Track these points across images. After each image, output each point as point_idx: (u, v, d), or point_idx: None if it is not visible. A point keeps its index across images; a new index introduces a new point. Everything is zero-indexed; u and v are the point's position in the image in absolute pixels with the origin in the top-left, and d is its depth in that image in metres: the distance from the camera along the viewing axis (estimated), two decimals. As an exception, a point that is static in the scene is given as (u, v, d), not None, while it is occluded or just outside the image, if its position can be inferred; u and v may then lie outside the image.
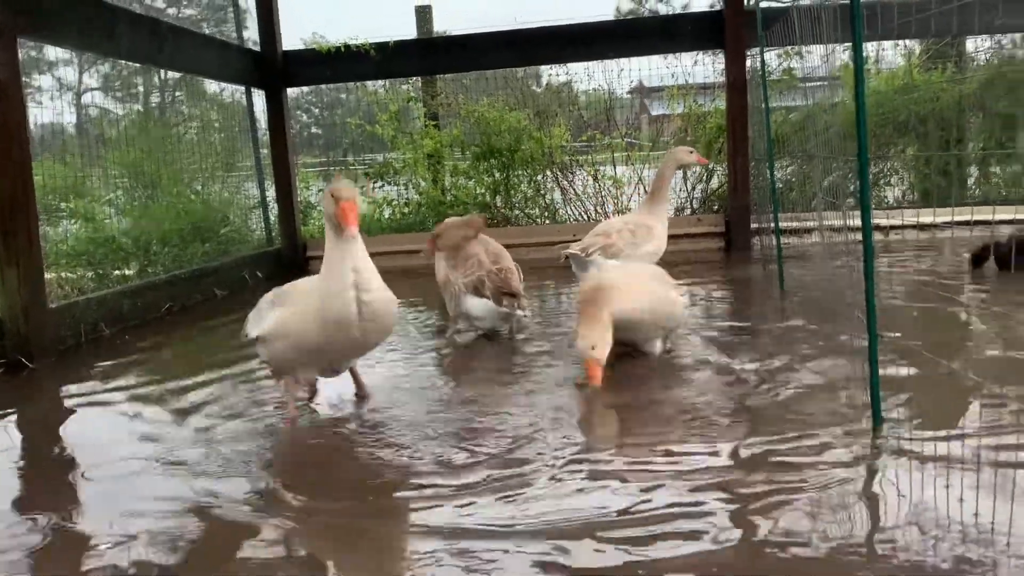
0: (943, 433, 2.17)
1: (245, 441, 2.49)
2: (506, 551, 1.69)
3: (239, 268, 5.80)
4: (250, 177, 6.90)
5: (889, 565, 1.55)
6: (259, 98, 6.62)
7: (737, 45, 5.97)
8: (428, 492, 2.01)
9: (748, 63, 6.03)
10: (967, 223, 5.84)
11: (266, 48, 6.48)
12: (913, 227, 6.21)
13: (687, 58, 7.06)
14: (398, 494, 2.04)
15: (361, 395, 2.87)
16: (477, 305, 3.51)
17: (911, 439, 2.14)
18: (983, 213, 5.96)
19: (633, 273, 3.12)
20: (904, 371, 2.76)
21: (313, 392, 2.97)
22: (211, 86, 7.40)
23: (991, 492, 1.79)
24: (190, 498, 2.07)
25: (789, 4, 4.12)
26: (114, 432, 2.70)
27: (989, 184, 7.09)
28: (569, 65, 7.16)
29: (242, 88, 6.68)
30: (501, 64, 7.06)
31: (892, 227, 6.13)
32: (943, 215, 6.17)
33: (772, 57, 6.31)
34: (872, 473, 1.97)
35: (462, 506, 1.91)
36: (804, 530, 1.70)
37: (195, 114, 7.73)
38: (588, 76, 7.25)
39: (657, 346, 3.11)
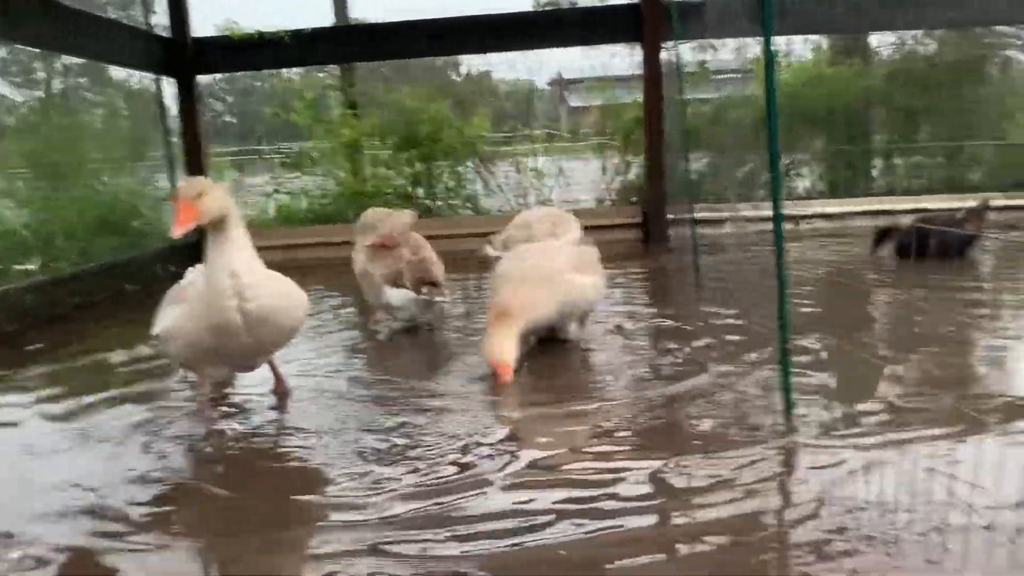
0: (851, 415, 2.26)
1: (154, 443, 2.42)
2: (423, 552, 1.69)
3: (151, 262, 5.61)
4: (161, 167, 6.67)
5: (799, 544, 1.61)
6: (169, 86, 6.41)
7: (654, 38, 6.04)
8: (334, 492, 2.00)
9: (665, 56, 6.13)
10: (872, 213, 6.10)
11: (176, 34, 6.27)
12: (822, 217, 6.43)
13: (606, 50, 7.13)
14: (306, 498, 2.02)
15: (280, 390, 2.81)
16: (397, 295, 3.48)
17: (821, 422, 2.22)
18: (887, 203, 6.24)
19: (548, 270, 3.09)
20: (813, 355, 2.86)
21: (224, 388, 2.89)
22: (118, 73, 7.12)
23: (895, 470, 1.87)
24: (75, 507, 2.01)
25: (703, -1, 4.20)
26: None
27: (893, 175, 7.38)
28: (490, 55, 7.14)
29: (151, 75, 6.45)
30: (421, 53, 7.00)
31: (802, 217, 6.35)
32: (849, 205, 6.42)
33: (687, 50, 6.42)
34: (785, 455, 2.04)
35: (371, 507, 1.91)
36: (718, 515, 1.75)
37: (101, 102, 7.43)
38: (509, 67, 7.26)
39: (572, 329, 3.19)
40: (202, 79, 6.67)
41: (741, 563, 1.57)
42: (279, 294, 2.46)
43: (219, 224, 2.32)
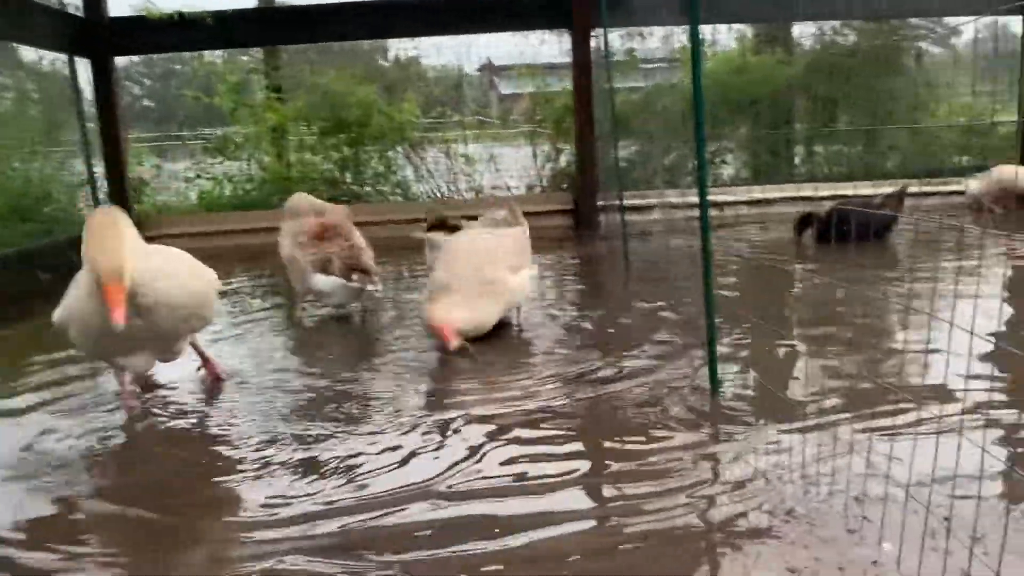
0: (775, 394, 2.32)
1: (70, 439, 2.34)
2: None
3: (66, 250, 5.40)
4: (75, 152, 6.41)
5: (725, 520, 1.64)
6: (84, 68, 6.15)
7: (583, 25, 6.06)
8: (252, 475, 1.96)
9: (594, 43, 6.16)
10: (794, 199, 6.26)
11: (91, 14, 6.01)
12: (746, 203, 6.57)
13: (536, 37, 7.14)
14: (227, 483, 1.98)
15: (210, 372, 2.73)
16: (325, 282, 3.40)
17: (745, 402, 2.27)
18: (808, 190, 6.40)
19: (492, 278, 3.06)
20: (737, 337, 2.92)
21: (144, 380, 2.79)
22: (28, 53, 6.80)
23: (816, 447, 1.93)
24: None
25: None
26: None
27: (813, 162, 7.58)
28: (419, 40, 7.07)
29: (64, 56, 6.18)
30: (347, 36, 6.88)
31: (727, 203, 6.47)
32: (772, 191, 6.58)
33: (616, 38, 6.47)
34: (710, 435, 2.08)
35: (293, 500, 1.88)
36: (646, 492, 1.77)
37: (10, 84, 7.09)
38: (437, 51, 7.20)
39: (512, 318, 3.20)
40: (119, 61, 6.44)
41: (668, 541, 1.59)
42: (174, 280, 2.33)
43: None
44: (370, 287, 3.43)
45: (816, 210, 4.86)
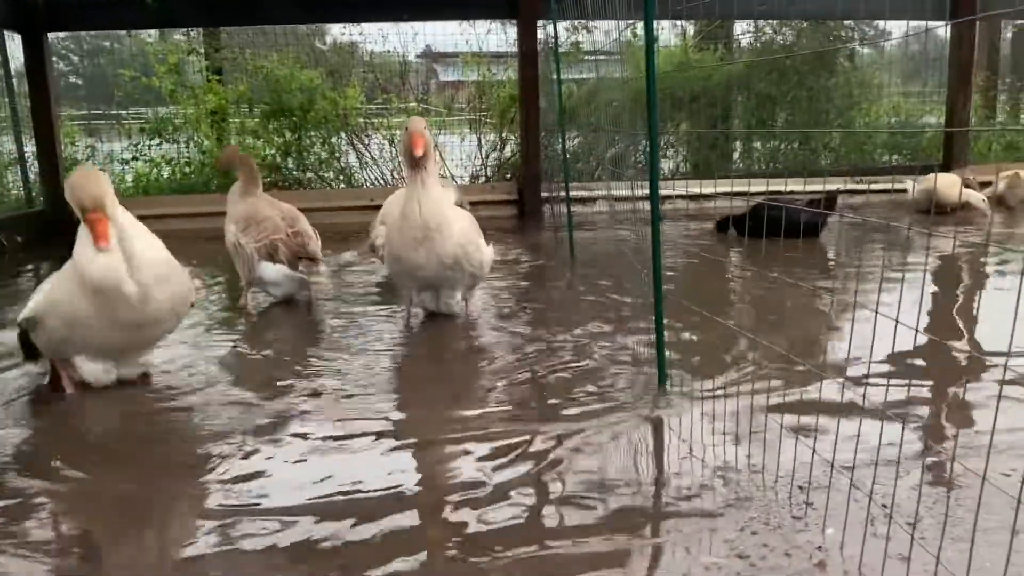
0: (719, 383, 2.40)
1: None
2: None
3: (-5, 231, 5.24)
4: (5, 129, 6.18)
5: (671, 503, 1.70)
6: (13, 43, 5.93)
7: (530, 16, 6.10)
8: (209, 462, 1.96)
9: (540, 35, 6.20)
10: (729, 194, 6.40)
11: (24, -14, 5.81)
12: (683, 197, 6.69)
13: (481, 26, 7.14)
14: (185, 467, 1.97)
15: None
16: (272, 271, 3.37)
17: (692, 391, 2.35)
18: (743, 185, 6.56)
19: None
20: (680, 327, 2.99)
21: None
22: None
23: (759, 436, 2.01)
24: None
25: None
26: None
27: (751, 158, 7.77)
28: (363, 25, 7.01)
29: (-8, 30, 5.95)
30: (290, 19, 6.77)
31: (666, 197, 6.58)
32: (709, 186, 6.71)
33: (561, 30, 6.51)
34: (658, 423, 2.15)
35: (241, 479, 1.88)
36: (596, 478, 1.83)
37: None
38: (383, 37, 7.14)
39: (458, 300, 3.21)
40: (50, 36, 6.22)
41: (614, 522, 1.65)
42: (166, 260, 2.40)
43: None
44: (316, 278, 3.41)
45: (734, 209, 4.98)
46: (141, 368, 2.57)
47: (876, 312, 1.57)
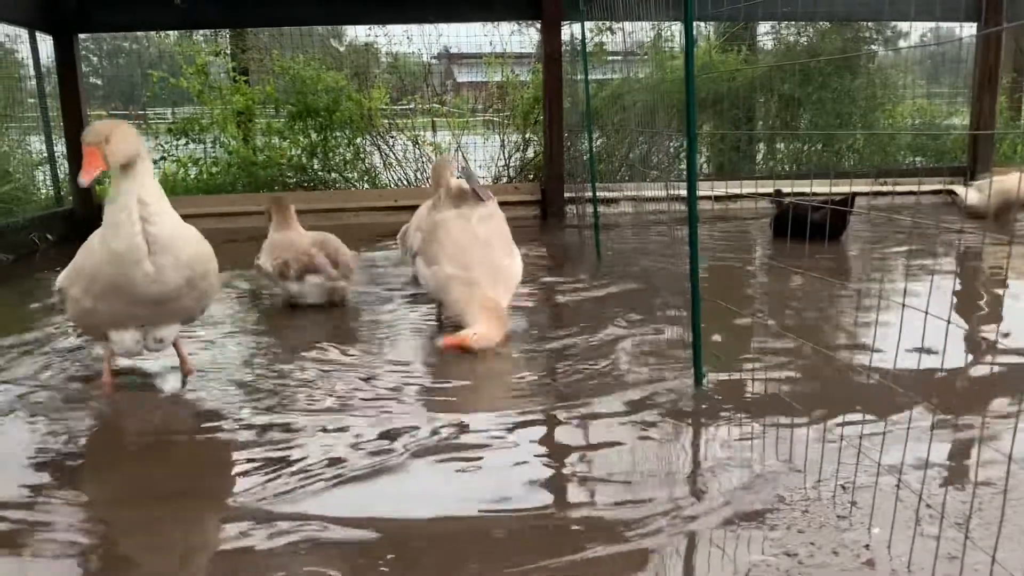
0: (759, 384, 2.40)
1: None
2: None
3: (25, 230, 5.30)
4: (34, 129, 6.26)
5: (714, 500, 1.71)
6: (44, 44, 6.00)
7: (555, 16, 6.11)
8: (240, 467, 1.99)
9: (564, 35, 6.21)
10: (754, 195, 6.40)
11: (55, -12, 5.87)
12: (708, 198, 6.68)
13: (505, 27, 7.16)
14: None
15: (184, 370, 2.71)
16: (292, 286, 3.57)
17: (730, 392, 2.35)
18: (768, 186, 6.54)
19: (498, 266, 3.07)
20: (715, 326, 2.99)
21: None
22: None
23: (803, 437, 2.01)
24: None
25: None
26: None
27: (774, 159, 7.75)
28: (389, 27, 7.05)
29: (25, 31, 6.02)
30: (317, 20, 6.83)
31: (703, 197, 6.58)
32: (734, 187, 6.71)
33: (587, 31, 6.52)
34: (696, 420, 2.16)
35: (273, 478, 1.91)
36: (638, 475, 1.84)
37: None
38: (408, 39, 7.18)
39: None
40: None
41: (658, 519, 1.66)
42: (183, 227, 2.40)
43: (128, 167, 2.28)
44: (341, 283, 3.58)
45: (779, 206, 4.99)
46: (170, 341, 2.59)
47: (926, 313, 1.57)
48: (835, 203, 4.74)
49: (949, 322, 1.69)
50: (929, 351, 2.54)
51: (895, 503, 1.66)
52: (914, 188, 6.27)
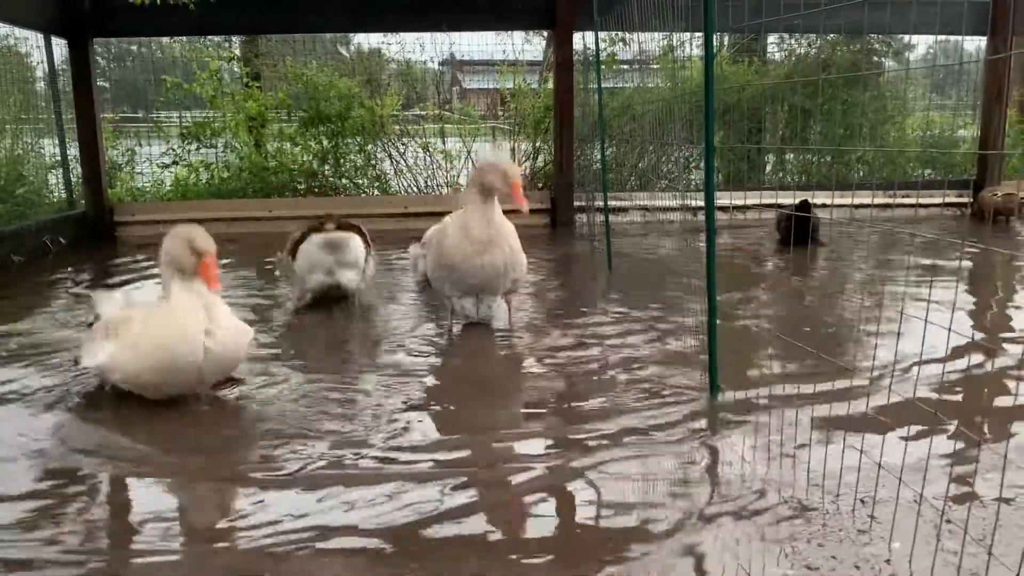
0: (775, 394, 2.41)
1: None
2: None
3: (38, 233, 5.33)
4: (46, 133, 6.28)
5: (733, 514, 1.72)
6: (59, 48, 6.03)
7: (567, 26, 6.13)
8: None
9: (577, 45, 6.24)
10: (763, 206, 6.42)
11: (71, -7, 5.90)
12: (719, 208, 6.68)
13: (517, 35, 7.19)
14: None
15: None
16: (303, 267, 3.55)
17: (745, 403, 2.36)
18: (779, 197, 6.56)
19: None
20: (729, 336, 3.00)
21: None
22: (-2, 30, 6.63)
23: (820, 445, 2.02)
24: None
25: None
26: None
27: (784, 170, 7.76)
28: (402, 35, 7.08)
29: (40, 35, 6.05)
30: (331, 28, 6.87)
31: (699, 208, 6.58)
32: (742, 198, 6.73)
33: (600, 41, 6.53)
34: (713, 435, 2.17)
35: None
36: (657, 490, 1.85)
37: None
38: (420, 47, 7.20)
39: (500, 307, 3.33)
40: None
41: (678, 532, 1.67)
42: (237, 332, 2.47)
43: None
44: (355, 283, 3.62)
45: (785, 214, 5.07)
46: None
47: (950, 329, 1.58)
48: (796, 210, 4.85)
49: (973, 339, 1.70)
50: (946, 360, 2.55)
51: (916, 518, 1.66)
52: (927, 200, 6.29)
